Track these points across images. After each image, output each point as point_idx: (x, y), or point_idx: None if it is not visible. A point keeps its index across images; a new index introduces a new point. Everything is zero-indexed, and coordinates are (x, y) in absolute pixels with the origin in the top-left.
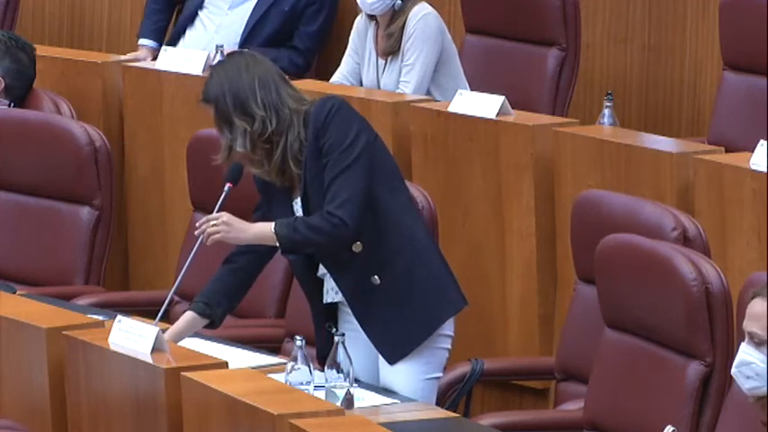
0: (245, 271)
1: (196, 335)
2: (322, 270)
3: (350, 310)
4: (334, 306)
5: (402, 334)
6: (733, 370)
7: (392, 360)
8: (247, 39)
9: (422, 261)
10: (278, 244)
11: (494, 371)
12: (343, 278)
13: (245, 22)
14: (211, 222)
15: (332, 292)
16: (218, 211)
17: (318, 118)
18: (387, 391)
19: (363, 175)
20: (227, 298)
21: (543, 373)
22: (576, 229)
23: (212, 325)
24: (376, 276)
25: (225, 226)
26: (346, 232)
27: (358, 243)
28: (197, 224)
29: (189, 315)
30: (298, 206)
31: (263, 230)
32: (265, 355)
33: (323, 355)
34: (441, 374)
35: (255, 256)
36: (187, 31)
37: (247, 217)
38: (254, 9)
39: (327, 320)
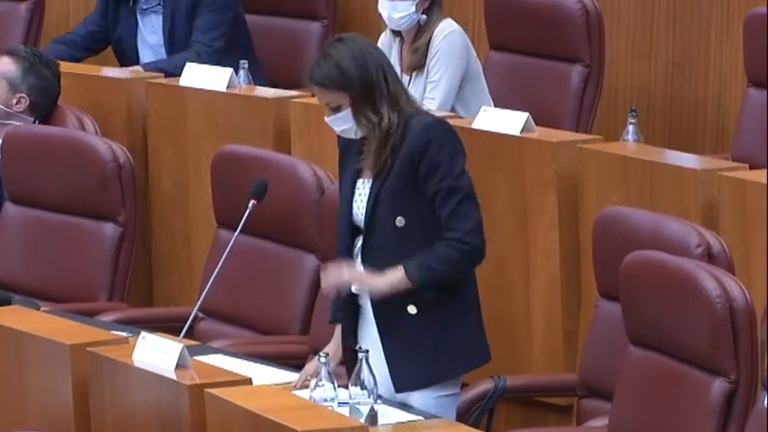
0: None
1: (219, 351)
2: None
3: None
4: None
5: (417, 371)
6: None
7: (399, 389)
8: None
9: (462, 310)
10: (413, 285)
11: (516, 388)
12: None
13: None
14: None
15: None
16: (242, 228)
17: (422, 139)
18: (410, 408)
19: (477, 200)
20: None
21: (566, 390)
22: (598, 245)
23: None
24: (413, 306)
25: (364, 283)
26: (479, 258)
27: None
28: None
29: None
30: (363, 188)
31: (396, 277)
32: (289, 371)
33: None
34: (457, 391)
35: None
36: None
37: (274, 231)
38: (163, 38)
39: (350, 309)
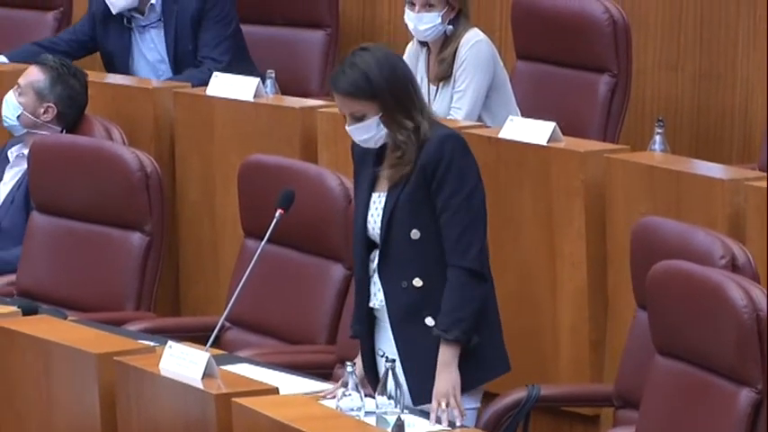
0: None
1: (246, 360)
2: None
3: (388, 326)
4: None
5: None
6: None
7: (416, 402)
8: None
9: (479, 321)
10: (461, 343)
11: (549, 397)
12: (395, 307)
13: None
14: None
15: (374, 298)
16: (269, 238)
17: (437, 153)
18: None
19: (485, 220)
20: None
21: (598, 400)
22: (635, 256)
23: None
24: (431, 318)
25: (457, 403)
26: (490, 283)
27: (418, 279)
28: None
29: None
30: (378, 202)
31: (450, 357)
32: (316, 380)
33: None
34: (477, 405)
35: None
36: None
37: (301, 241)
38: (166, 51)
39: (367, 325)
